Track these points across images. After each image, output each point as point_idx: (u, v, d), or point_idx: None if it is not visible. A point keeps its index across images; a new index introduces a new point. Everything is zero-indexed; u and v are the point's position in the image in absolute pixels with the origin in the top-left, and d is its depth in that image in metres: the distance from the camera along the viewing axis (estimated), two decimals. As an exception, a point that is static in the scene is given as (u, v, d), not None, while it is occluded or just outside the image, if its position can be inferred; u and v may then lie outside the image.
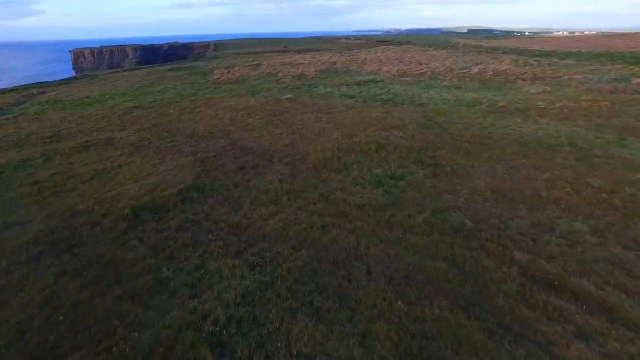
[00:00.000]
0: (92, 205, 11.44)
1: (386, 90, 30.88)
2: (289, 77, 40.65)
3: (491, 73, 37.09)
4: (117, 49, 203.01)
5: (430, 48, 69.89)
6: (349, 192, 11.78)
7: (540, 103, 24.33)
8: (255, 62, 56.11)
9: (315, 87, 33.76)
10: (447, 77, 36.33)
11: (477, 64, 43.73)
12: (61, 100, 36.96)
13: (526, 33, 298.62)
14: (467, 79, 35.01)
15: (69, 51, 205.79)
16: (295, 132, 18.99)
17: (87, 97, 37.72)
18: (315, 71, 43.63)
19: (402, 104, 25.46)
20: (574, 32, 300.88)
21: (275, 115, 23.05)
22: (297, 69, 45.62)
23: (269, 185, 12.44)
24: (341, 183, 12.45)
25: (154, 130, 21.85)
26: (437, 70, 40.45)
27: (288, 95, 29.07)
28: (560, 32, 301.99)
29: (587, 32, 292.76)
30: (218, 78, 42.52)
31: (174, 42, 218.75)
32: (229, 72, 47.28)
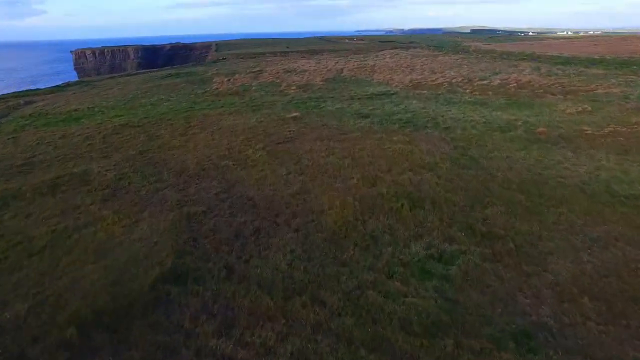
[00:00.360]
0: (26, 311, 8.11)
1: (402, 107, 27.43)
2: (294, 87, 37.24)
3: (514, 85, 33.60)
4: (119, 50, 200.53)
5: (440, 53, 66.29)
6: (386, 290, 8.41)
7: (586, 128, 20.87)
8: (258, 69, 52.70)
9: (324, 101, 30.34)
10: (467, 90, 32.86)
11: (496, 73, 40.22)
12: (46, 114, 33.62)
13: (530, 33, 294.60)
14: (490, 93, 31.52)
15: (71, 52, 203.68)
16: (304, 171, 15.60)
17: (76, 109, 34.40)
18: (321, 80, 40.20)
19: (425, 126, 22.02)
20: (578, 32, 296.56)
21: (279, 143, 19.66)
22: (302, 77, 42.20)
23: (274, 274, 9.07)
24: (371, 272, 9.07)
25: (139, 162, 18.51)
26: (454, 80, 36.97)
27: (294, 114, 25.67)
28: (565, 32, 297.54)
29: (591, 32, 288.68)
30: (217, 88, 39.15)
31: (176, 43, 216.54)
32: (229, 80, 43.89)
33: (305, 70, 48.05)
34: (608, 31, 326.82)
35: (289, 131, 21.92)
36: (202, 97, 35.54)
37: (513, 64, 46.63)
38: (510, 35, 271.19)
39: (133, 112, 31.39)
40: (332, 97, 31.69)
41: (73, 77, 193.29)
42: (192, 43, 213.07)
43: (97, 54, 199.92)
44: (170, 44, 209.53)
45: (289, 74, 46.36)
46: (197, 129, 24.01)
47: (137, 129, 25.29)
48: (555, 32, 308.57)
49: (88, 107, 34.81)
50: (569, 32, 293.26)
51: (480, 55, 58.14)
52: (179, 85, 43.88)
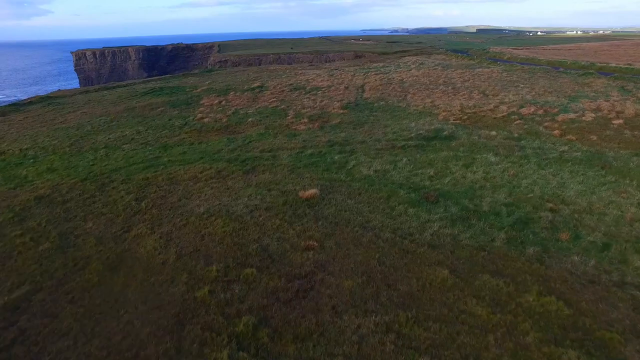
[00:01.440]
0: None
1: (480, 171, 16.80)
2: (305, 119, 26.70)
3: (621, 122, 22.91)
4: (120, 50, 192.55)
5: (473, 61, 55.11)
6: None
7: None
8: (258, 83, 42.10)
9: (352, 152, 19.76)
10: (555, 130, 22.19)
11: (573, 99, 29.46)
12: (-39, 159, 23.29)
13: (539, 33, 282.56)
14: (595, 137, 20.84)
15: (71, 52, 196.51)
16: None
17: (3, 153, 24.07)
18: (340, 106, 29.58)
19: (555, 239, 11.44)
20: (587, 32, 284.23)
21: (287, 302, 9.13)
22: (315, 102, 31.61)
23: None
24: None
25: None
26: (523, 111, 26.26)
27: (310, 190, 15.05)
28: (574, 32, 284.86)
29: (601, 32, 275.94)
30: (202, 118, 28.63)
31: (179, 43, 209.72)
32: (221, 102, 33.35)
33: (318, 89, 37.39)
34: (616, 30, 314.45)
35: (306, 247, 11.35)
36: (178, 135, 25.02)
37: (583, 82, 35.71)
38: (518, 35, 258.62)
39: (74, 163, 20.97)
40: (362, 143, 21.09)
41: (75, 77, 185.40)
42: (195, 44, 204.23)
43: (97, 55, 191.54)
44: (172, 44, 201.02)
45: (296, 93, 35.76)
46: (146, 224, 13.47)
47: (53, 214, 14.87)
48: (564, 32, 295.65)
49: (21, 149, 24.42)
50: (578, 32, 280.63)
51: (526, 67, 47.10)
52: (157, 108, 33.28)
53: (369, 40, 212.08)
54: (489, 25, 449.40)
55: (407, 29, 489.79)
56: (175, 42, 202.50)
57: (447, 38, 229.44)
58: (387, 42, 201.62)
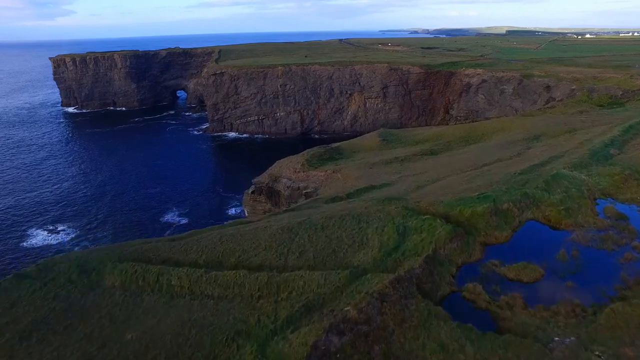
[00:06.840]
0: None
1: None
2: None
3: None
4: (103, 57, 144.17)
5: None
6: None
7: None
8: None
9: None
10: None
11: None
12: None
13: (587, 35, 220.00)
14: None
15: (50, 59, 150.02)
16: None
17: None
18: None
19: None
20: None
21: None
22: None
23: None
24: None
25: None
26: None
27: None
28: (630, 34, 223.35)
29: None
30: None
31: (175, 48, 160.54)
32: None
33: None
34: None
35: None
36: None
37: None
38: (565, 37, 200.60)
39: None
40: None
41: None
42: (193, 49, 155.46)
43: (78, 63, 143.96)
44: (166, 49, 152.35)
45: None
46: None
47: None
48: (618, 34, 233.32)
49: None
50: (636, 34, 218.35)
51: None
52: None
53: (398, 45, 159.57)
54: (512, 27, 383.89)
55: (428, 30, 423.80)
56: (169, 48, 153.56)
57: (493, 43, 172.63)
58: (423, 48, 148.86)
